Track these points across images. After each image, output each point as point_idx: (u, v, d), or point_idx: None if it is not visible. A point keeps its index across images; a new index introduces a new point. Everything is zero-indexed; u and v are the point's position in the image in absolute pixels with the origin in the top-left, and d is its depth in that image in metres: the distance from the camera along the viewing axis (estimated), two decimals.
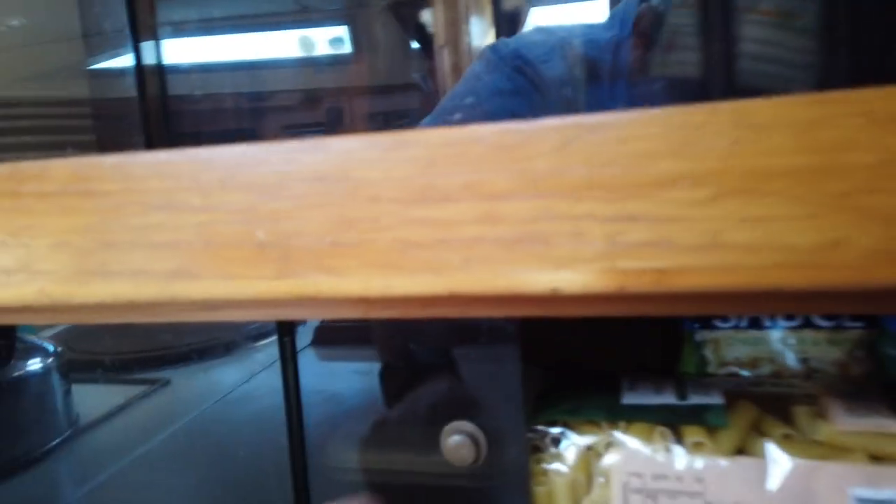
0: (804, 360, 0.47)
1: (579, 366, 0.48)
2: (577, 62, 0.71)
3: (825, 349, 0.47)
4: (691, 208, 0.22)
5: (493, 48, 0.77)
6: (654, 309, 0.26)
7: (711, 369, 0.49)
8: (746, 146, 0.22)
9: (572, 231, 0.23)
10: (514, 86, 0.73)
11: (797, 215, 0.21)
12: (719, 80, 0.40)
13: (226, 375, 1.22)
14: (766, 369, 0.46)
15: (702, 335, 0.50)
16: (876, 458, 0.35)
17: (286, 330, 0.52)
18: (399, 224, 0.25)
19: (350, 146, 0.26)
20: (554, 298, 0.24)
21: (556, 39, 0.73)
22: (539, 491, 0.39)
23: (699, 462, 0.36)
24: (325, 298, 0.26)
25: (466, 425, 0.39)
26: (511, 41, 0.77)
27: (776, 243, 0.22)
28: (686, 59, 0.41)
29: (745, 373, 0.46)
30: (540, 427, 0.39)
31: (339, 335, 1.17)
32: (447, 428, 0.39)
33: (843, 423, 0.36)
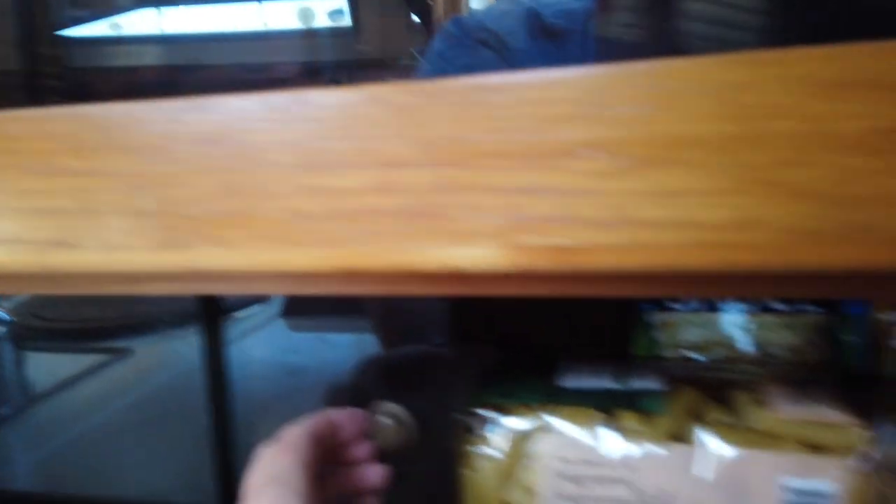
0: (760, 345, 0.46)
1: (527, 346, 0.47)
2: (545, 33, 0.68)
3: (782, 334, 0.46)
4: (599, 180, 0.20)
5: (454, 22, 0.74)
6: (559, 289, 0.24)
7: (663, 352, 0.48)
8: (661, 112, 0.20)
9: (471, 203, 0.21)
10: (480, 60, 0.70)
11: (712, 189, 0.19)
12: (672, 44, 0.38)
13: (189, 346, 1.20)
14: (719, 353, 0.44)
15: (654, 317, 0.49)
16: (812, 448, 0.33)
17: (208, 307, 0.50)
18: (289, 192, 0.23)
19: (240, 106, 0.23)
20: (453, 276, 0.22)
21: (524, 10, 0.70)
22: (468, 475, 0.37)
23: (630, 448, 0.35)
24: (213, 272, 0.24)
25: (394, 407, 0.37)
26: (476, 13, 0.74)
27: (689, 220, 0.20)
28: (638, 22, 0.39)
29: (697, 357, 0.44)
30: (472, 410, 0.38)
31: (310, 305, 1.15)
32: (376, 409, 0.38)
33: (781, 412, 0.35)
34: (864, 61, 0.18)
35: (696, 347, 0.45)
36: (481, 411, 0.38)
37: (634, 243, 0.20)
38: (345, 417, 0.38)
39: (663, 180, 0.20)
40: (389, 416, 0.38)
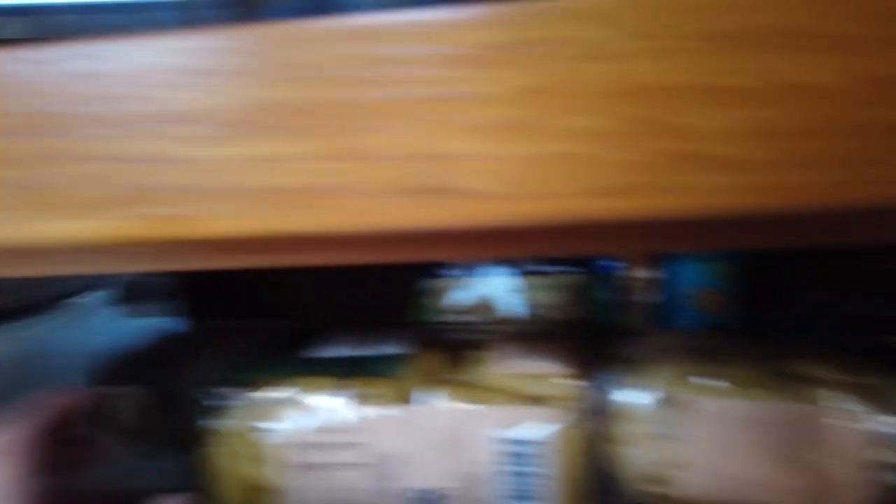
0: (527, 306, 0.48)
1: (306, 317, 0.47)
2: None
3: (547, 295, 0.48)
4: (201, 147, 0.20)
5: None
6: (182, 262, 0.24)
7: (434, 317, 0.49)
8: (257, 79, 0.20)
9: (90, 173, 0.20)
10: None
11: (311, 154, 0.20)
12: None
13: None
14: (487, 316, 0.46)
15: (423, 283, 0.50)
16: (530, 399, 0.35)
17: None
18: None
19: None
20: (68, 251, 0.21)
21: None
22: (210, 453, 0.37)
23: (361, 412, 0.36)
24: None
25: (131, 388, 0.36)
26: None
27: (295, 184, 0.20)
28: None
29: (461, 319, 0.46)
30: (214, 388, 0.37)
31: (144, 290, 1.08)
32: (112, 389, 0.37)
33: (503, 367, 0.37)
34: None
35: (464, 311, 0.47)
36: (225, 387, 0.37)
37: (245, 212, 0.20)
38: (76, 401, 0.36)
39: (263, 147, 0.20)
40: (126, 396, 0.36)
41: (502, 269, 0.49)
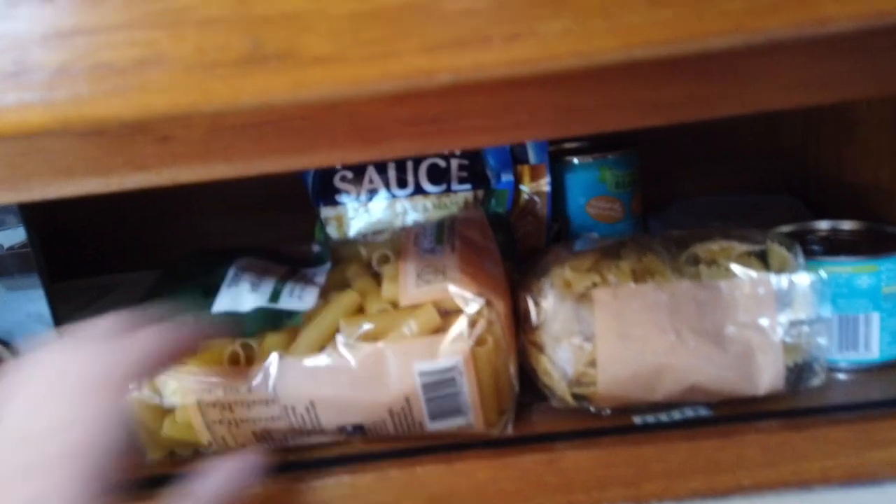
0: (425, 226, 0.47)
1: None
2: None
3: (437, 213, 0.47)
4: None
5: None
6: None
7: (335, 244, 0.47)
8: None
9: None
10: None
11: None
12: None
13: None
14: (385, 237, 0.45)
15: (325, 212, 0.48)
16: (441, 322, 0.35)
17: None
18: None
19: None
20: None
21: None
22: None
23: (273, 368, 0.34)
24: None
25: None
26: None
27: None
28: None
29: (368, 241, 0.44)
30: None
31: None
32: None
33: (411, 292, 0.36)
34: None
35: (364, 235, 0.46)
36: None
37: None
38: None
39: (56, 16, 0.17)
40: None
41: (398, 192, 0.47)
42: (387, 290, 0.38)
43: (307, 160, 0.29)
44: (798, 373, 0.36)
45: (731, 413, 0.36)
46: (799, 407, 0.35)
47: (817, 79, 0.27)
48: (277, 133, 0.26)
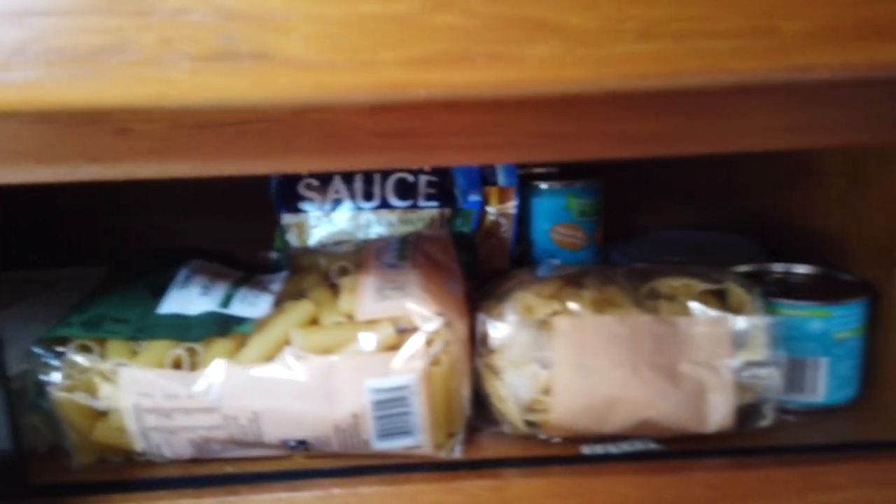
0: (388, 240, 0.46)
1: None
2: None
3: (401, 228, 0.47)
4: None
5: None
6: None
7: (296, 252, 0.46)
8: None
9: None
10: None
11: None
12: None
13: None
14: (347, 248, 0.44)
15: (286, 218, 0.47)
16: (396, 340, 0.34)
17: None
18: None
19: None
20: None
21: None
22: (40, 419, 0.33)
23: (216, 376, 0.33)
24: None
25: None
26: None
27: None
28: None
29: (328, 252, 0.43)
30: (40, 346, 0.33)
31: None
32: None
33: (368, 307, 0.35)
34: None
35: (326, 246, 0.45)
36: (56, 347, 0.33)
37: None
38: None
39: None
40: None
41: (363, 204, 0.46)
42: (344, 302, 0.37)
43: (271, 165, 0.28)
44: (748, 413, 0.36)
45: (679, 449, 0.36)
46: (745, 446, 0.36)
47: (796, 124, 0.27)
48: (242, 135, 0.25)
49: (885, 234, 0.40)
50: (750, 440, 0.36)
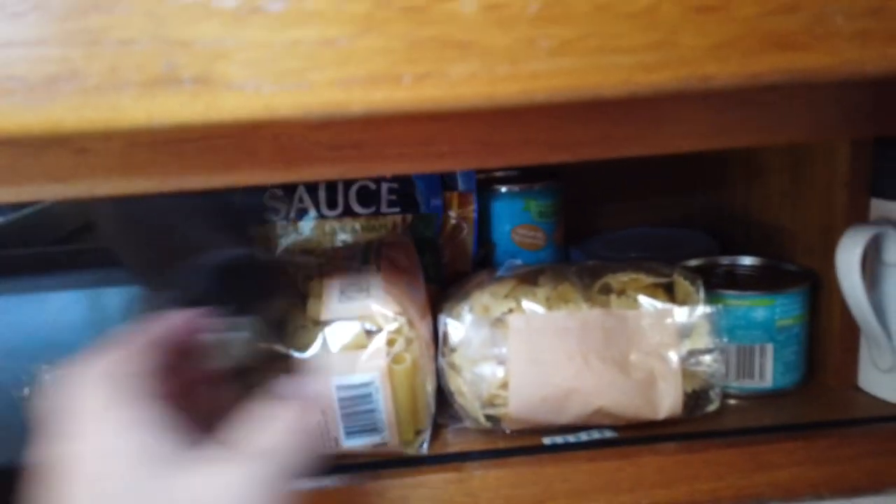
0: (346, 246, 0.48)
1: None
2: None
3: (365, 235, 0.48)
4: None
5: None
6: None
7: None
8: None
9: None
10: None
11: None
12: None
13: None
14: (312, 256, 0.45)
15: (253, 230, 0.48)
16: (361, 340, 0.35)
17: None
18: None
19: None
20: None
21: None
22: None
23: None
24: None
25: (239, 318, 0.31)
26: None
27: None
28: None
29: (295, 260, 0.44)
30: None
31: None
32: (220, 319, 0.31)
33: (334, 308, 0.37)
34: None
35: (292, 253, 0.46)
36: None
37: None
38: (185, 324, 0.28)
39: None
40: (236, 325, 0.30)
41: (327, 212, 0.48)
42: (311, 308, 0.38)
43: (228, 179, 0.29)
44: (696, 399, 0.38)
45: (633, 436, 0.38)
46: (694, 431, 0.38)
47: (713, 127, 0.29)
48: (199, 151, 0.27)
49: (824, 225, 0.42)
50: (699, 425, 0.38)
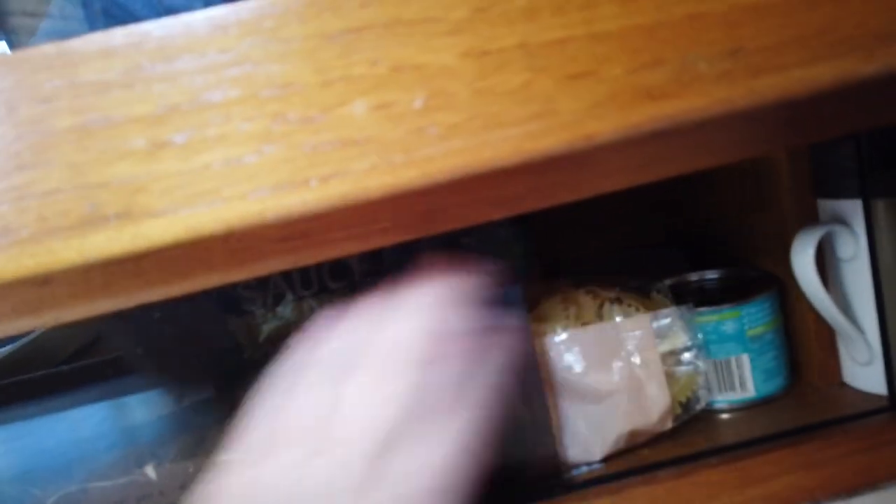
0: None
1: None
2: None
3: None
4: None
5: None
6: None
7: (250, 353, 0.48)
8: None
9: None
10: None
11: None
12: None
13: None
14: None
15: (232, 322, 0.50)
16: None
17: None
18: None
19: None
20: None
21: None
22: None
23: None
24: None
25: None
26: None
27: None
28: None
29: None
30: None
31: None
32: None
33: None
34: None
35: (276, 340, 0.47)
36: None
37: None
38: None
39: None
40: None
41: (303, 292, 0.49)
42: None
43: (188, 286, 0.31)
44: (685, 405, 0.39)
45: (621, 469, 0.38)
46: (684, 454, 0.38)
47: (639, 161, 0.30)
48: (156, 265, 0.28)
49: (778, 231, 0.43)
50: (687, 446, 0.39)
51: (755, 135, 0.29)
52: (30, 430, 0.46)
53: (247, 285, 0.50)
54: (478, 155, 0.20)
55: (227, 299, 0.49)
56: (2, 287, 0.21)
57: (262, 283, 0.50)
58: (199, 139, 0.19)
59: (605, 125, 0.21)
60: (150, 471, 0.39)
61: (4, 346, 0.61)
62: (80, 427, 0.44)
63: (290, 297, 0.49)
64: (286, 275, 0.50)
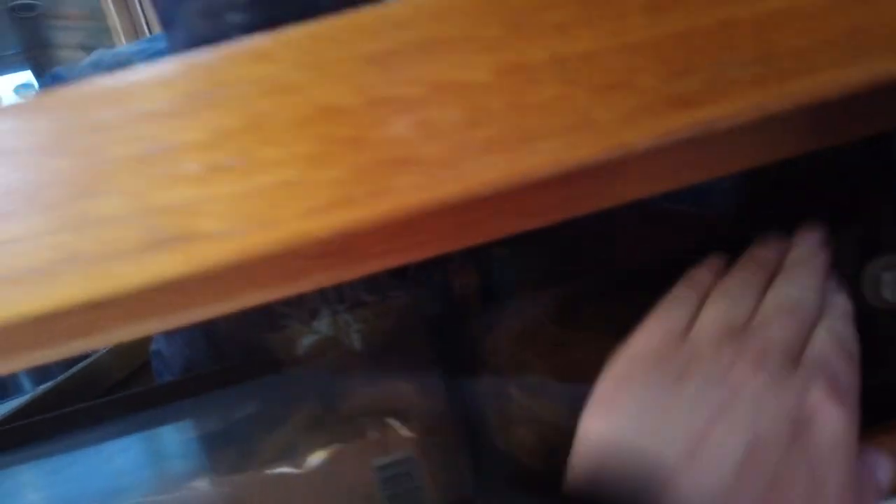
0: (363, 336, 0.49)
1: None
2: None
3: (377, 322, 0.50)
4: None
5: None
6: None
7: (289, 368, 0.49)
8: None
9: None
10: None
11: None
12: None
13: None
14: (332, 354, 0.47)
15: (271, 337, 0.50)
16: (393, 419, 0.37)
17: None
18: None
19: None
20: None
21: (112, 62, 0.68)
22: None
23: None
24: None
25: None
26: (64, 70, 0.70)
27: None
28: None
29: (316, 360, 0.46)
30: None
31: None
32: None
33: (363, 397, 0.38)
34: None
35: (313, 354, 0.48)
36: None
37: None
38: None
39: None
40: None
41: (333, 307, 0.50)
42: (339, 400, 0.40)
43: (234, 304, 0.32)
44: None
45: None
46: None
47: (668, 170, 0.31)
48: (207, 286, 0.29)
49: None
50: None
51: (786, 137, 0.29)
52: (74, 460, 0.47)
53: (284, 301, 0.51)
54: (516, 167, 0.21)
55: (263, 315, 0.50)
56: (62, 312, 0.22)
57: (297, 299, 0.51)
58: (251, 162, 0.20)
59: (640, 134, 0.21)
60: (200, 485, 0.40)
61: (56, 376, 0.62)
62: (124, 456, 0.46)
63: (325, 311, 0.50)
64: (321, 290, 0.51)
